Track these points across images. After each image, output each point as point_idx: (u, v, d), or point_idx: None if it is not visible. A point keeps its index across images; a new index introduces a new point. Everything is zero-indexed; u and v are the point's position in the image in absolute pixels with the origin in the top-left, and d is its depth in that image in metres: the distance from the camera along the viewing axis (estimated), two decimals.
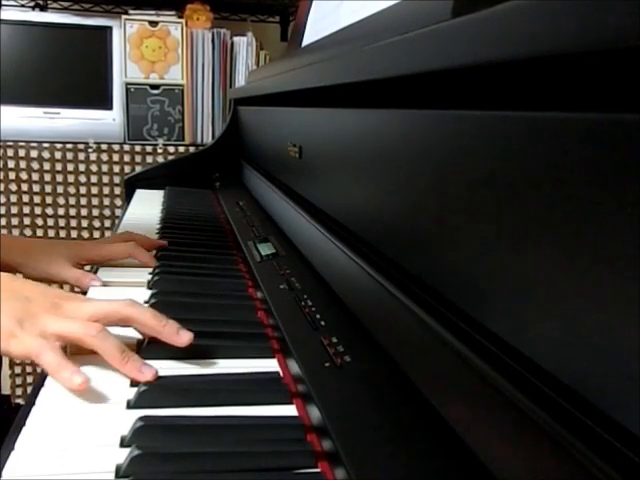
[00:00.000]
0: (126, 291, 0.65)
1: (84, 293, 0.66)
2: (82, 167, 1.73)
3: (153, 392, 0.43)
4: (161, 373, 0.46)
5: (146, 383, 0.44)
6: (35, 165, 1.70)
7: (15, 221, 1.72)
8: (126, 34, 1.76)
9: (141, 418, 0.39)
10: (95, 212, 1.76)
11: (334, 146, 0.57)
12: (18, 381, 1.76)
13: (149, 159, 1.76)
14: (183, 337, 0.48)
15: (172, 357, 0.49)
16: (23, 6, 1.87)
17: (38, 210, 1.73)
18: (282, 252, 0.71)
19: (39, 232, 1.73)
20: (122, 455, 0.36)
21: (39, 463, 0.35)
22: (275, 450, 0.37)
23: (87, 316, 0.48)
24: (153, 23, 1.77)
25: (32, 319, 0.47)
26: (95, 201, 1.76)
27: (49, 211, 1.73)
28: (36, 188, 1.71)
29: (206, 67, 1.82)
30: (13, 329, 0.46)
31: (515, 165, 0.27)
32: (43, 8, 1.87)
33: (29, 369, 1.76)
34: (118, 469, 0.35)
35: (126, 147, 1.75)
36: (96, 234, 1.76)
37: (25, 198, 1.71)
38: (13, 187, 1.70)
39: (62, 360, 0.45)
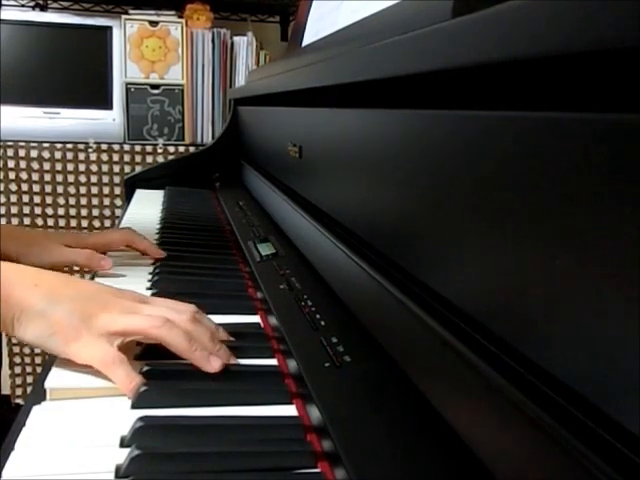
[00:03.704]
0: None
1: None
2: (82, 167, 1.73)
3: (153, 392, 0.43)
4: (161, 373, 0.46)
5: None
6: (35, 165, 1.70)
7: (15, 221, 1.72)
8: (126, 34, 1.76)
9: (141, 418, 0.39)
10: (95, 212, 1.76)
11: (334, 146, 0.57)
12: (18, 381, 1.76)
13: (149, 159, 1.76)
14: (214, 364, 0.46)
15: (171, 357, 0.49)
16: (23, 6, 1.87)
17: (38, 210, 1.73)
18: (282, 252, 0.71)
19: None
20: (122, 455, 0.36)
21: (39, 463, 0.35)
22: (275, 450, 0.37)
23: (115, 331, 0.46)
24: (153, 23, 1.77)
25: (92, 319, 0.45)
26: (95, 201, 1.76)
27: (49, 211, 1.73)
28: (36, 188, 1.71)
29: (206, 67, 1.82)
30: (78, 331, 0.44)
31: (515, 165, 0.27)
32: (43, 8, 1.87)
33: (29, 369, 1.77)
34: (118, 469, 0.35)
35: (126, 147, 1.75)
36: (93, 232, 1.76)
37: (25, 198, 1.72)
38: (13, 187, 1.70)
39: (131, 372, 0.43)
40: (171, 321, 0.46)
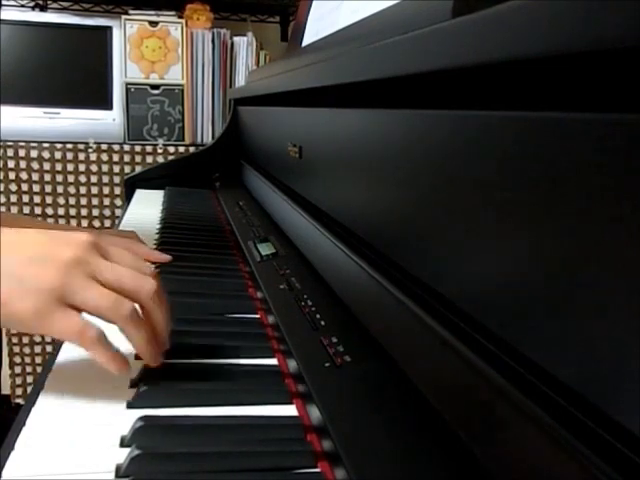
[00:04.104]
0: None
1: None
2: (82, 167, 1.73)
3: (153, 392, 0.43)
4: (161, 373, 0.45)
5: (148, 381, 0.43)
6: (35, 165, 1.70)
7: None
8: (126, 34, 1.76)
9: (141, 418, 0.39)
10: (95, 212, 1.76)
11: (334, 146, 0.57)
12: (18, 381, 1.76)
13: (149, 159, 1.76)
14: (158, 359, 0.45)
15: (171, 357, 0.49)
16: (23, 6, 1.87)
17: (38, 210, 1.73)
18: (282, 252, 0.71)
19: None
20: (122, 455, 0.36)
21: (39, 463, 0.35)
22: (275, 450, 0.37)
23: (76, 305, 0.41)
24: (153, 23, 1.77)
25: (50, 285, 0.40)
26: (95, 201, 1.76)
27: (49, 211, 1.73)
28: (36, 188, 1.71)
29: (206, 67, 1.82)
30: (35, 299, 0.39)
31: (515, 165, 0.27)
32: (43, 8, 1.87)
33: (29, 369, 1.77)
34: (118, 469, 0.35)
35: (126, 147, 1.75)
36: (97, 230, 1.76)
37: (25, 198, 1.72)
38: (13, 187, 1.70)
39: (112, 346, 0.41)
40: (137, 318, 0.42)
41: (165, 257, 0.73)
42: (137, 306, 0.43)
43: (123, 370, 0.42)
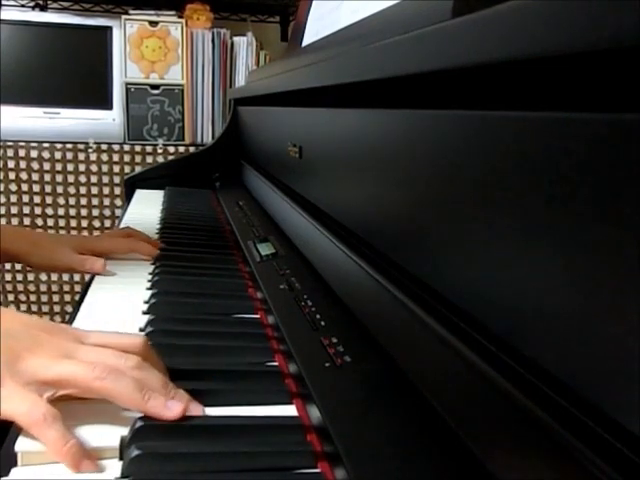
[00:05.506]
0: (126, 291, 0.65)
1: (88, 286, 0.66)
2: (82, 167, 1.73)
3: None
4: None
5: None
6: (35, 165, 1.70)
7: (15, 221, 1.72)
8: (126, 34, 1.76)
9: (141, 418, 0.39)
10: (95, 212, 1.76)
11: (334, 146, 0.57)
12: None
13: (149, 159, 1.76)
14: (174, 409, 0.39)
15: (171, 358, 0.49)
16: (23, 6, 1.87)
17: (38, 210, 1.73)
18: (282, 252, 0.71)
19: None
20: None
21: (40, 464, 0.35)
22: (275, 450, 0.37)
23: (45, 380, 0.38)
24: (153, 23, 1.77)
25: (18, 363, 0.38)
26: (95, 201, 1.76)
27: (49, 211, 1.73)
28: (36, 188, 1.71)
29: (206, 67, 1.82)
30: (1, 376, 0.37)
31: (515, 165, 0.27)
32: (43, 8, 1.87)
33: None
34: None
35: (126, 147, 1.75)
36: (96, 234, 1.76)
37: (25, 198, 1.72)
38: (13, 187, 1.70)
39: (65, 433, 0.36)
40: (116, 369, 0.39)
41: (155, 248, 0.79)
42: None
43: (75, 467, 0.35)
